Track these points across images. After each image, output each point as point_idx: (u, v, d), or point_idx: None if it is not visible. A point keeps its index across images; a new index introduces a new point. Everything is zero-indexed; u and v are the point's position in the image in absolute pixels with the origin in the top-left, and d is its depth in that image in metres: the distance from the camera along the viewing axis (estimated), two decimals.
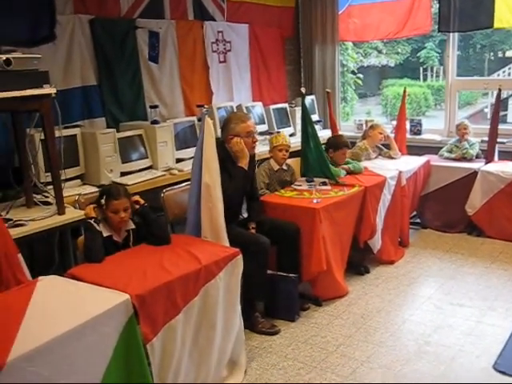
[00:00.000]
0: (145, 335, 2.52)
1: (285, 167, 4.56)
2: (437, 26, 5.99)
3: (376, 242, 4.58)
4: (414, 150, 5.82)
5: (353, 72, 7.90)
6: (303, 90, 4.82)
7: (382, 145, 5.58)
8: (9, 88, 3.14)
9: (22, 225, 3.27)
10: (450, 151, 5.64)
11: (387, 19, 6.42)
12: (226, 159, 3.69)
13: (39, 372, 2.07)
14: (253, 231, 3.87)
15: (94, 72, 4.63)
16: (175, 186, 4.03)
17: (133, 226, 3.20)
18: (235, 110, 5.52)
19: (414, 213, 5.61)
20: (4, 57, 3.16)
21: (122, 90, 4.83)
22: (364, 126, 6.58)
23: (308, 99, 6.12)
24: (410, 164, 5.26)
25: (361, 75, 8.05)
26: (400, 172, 4.89)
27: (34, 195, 3.71)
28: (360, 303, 4.06)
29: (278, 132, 5.22)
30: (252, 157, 3.90)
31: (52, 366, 2.12)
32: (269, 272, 3.72)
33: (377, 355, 3.36)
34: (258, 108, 5.92)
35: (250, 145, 3.79)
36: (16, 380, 1.98)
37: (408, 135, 6.05)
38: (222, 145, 3.73)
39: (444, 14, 5.84)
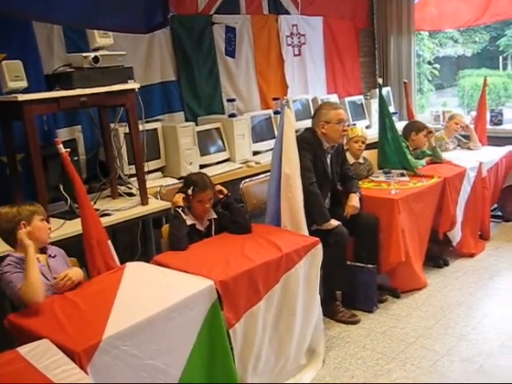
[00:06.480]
0: (228, 320, 2.60)
1: (361, 160, 4.53)
2: None
3: (456, 234, 4.49)
4: (495, 140, 5.62)
5: (429, 62, 7.72)
6: (380, 80, 4.78)
7: (463, 136, 5.44)
8: (97, 84, 3.32)
9: (108, 214, 3.42)
10: None
11: (465, 6, 6.26)
12: (316, 145, 3.75)
13: (131, 351, 2.17)
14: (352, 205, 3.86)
15: (173, 68, 4.76)
16: (254, 178, 4.12)
17: (215, 216, 3.29)
18: (310, 103, 5.55)
19: (495, 205, 5.43)
20: (92, 55, 3.33)
21: (200, 85, 4.93)
22: (441, 117, 6.43)
23: (383, 91, 6.01)
24: (491, 155, 5.08)
25: (437, 65, 7.86)
26: (481, 163, 4.76)
27: (119, 187, 3.88)
28: (439, 296, 3.99)
29: (354, 124, 5.19)
30: (342, 145, 3.99)
31: (141, 346, 2.22)
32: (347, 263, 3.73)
33: (458, 348, 3.29)
34: (333, 100, 5.88)
35: (340, 133, 3.80)
36: (112, 357, 2.10)
37: (488, 126, 5.86)
38: (312, 132, 3.82)
39: None
